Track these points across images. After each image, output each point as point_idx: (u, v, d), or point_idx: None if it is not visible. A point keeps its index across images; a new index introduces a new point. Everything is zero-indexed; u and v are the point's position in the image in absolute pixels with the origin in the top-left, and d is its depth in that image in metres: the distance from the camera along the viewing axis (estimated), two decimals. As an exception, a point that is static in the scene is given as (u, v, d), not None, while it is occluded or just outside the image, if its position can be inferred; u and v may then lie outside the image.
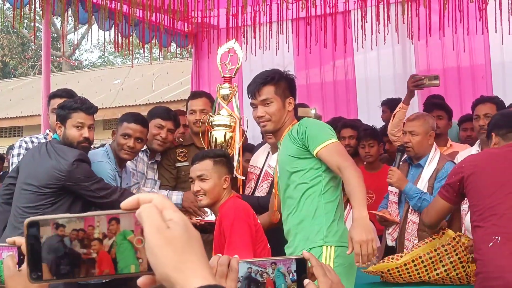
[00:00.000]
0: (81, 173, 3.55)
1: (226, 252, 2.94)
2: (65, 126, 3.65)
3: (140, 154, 4.16)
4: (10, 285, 1.30)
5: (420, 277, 3.36)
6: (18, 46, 26.86)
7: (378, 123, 5.76)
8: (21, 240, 1.32)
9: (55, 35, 22.24)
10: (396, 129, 4.66)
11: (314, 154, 3.00)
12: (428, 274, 3.35)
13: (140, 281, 0.87)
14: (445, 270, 3.32)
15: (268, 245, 3.26)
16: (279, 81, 3.16)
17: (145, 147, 4.18)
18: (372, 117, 6.52)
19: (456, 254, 3.32)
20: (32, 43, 26.40)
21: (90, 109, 3.70)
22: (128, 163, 4.08)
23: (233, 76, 4.02)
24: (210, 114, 4.03)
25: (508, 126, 3.24)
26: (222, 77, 4.00)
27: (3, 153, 9.04)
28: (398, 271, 3.36)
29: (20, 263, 1.32)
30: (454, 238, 3.35)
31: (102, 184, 3.64)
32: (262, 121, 3.16)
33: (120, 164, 3.94)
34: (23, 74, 25.50)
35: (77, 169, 3.53)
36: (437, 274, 3.35)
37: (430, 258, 3.34)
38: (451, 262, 3.31)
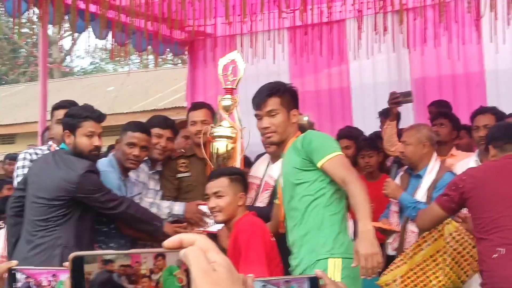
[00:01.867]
0: (91, 185, 3.57)
1: (241, 266, 2.97)
2: (75, 135, 3.65)
3: (141, 164, 4.18)
4: None
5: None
6: (9, 52, 26.76)
7: (373, 130, 5.79)
8: None
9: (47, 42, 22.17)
10: (389, 144, 4.77)
11: (319, 167, 3.04)
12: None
13: None
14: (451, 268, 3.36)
15: (281, 264, 3.29)
16: (284, 93, 3.22)
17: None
18: (367, 124, 6.54)
19: (455, 249, 3.35)
20: (23, 50, 26.37)
21: (100, 117, 3.72)
22: (130, 173, 4.11)
23: (234, 87, 4.05)
24: (212, 125, 4.06)
25: (505, 138, 3.29)
26: (224, 88, 4.04)
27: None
28: (403, 281, 3.40)
29: None
30: (453, 233, 3.40)
31: (111, 195, 3.66)
32: (267, 132, 3.20)
33: (125, 173, 3.96)
34: (14, 81, 25.41)
35: (87, 180, 3.55)
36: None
37: (434, 260, 3.39)
38: (448, 266, 3.36)
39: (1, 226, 6.13)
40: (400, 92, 4.93)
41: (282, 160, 3.31)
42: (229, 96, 4.03)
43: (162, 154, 4.22)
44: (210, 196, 3.42)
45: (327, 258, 2.98)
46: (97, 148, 3.70)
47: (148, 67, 13.68)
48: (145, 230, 3.87)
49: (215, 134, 3.98)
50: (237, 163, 3.95)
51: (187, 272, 0.88)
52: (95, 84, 18.06)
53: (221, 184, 3.38)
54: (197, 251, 0.87)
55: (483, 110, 4.55)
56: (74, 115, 3.70)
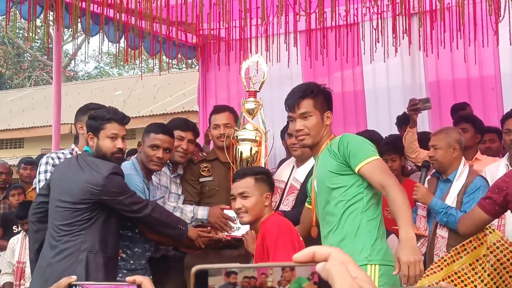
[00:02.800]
0: (116, 187, 3.53)
1: None
2: (98, 137, 3.62)
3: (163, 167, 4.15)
4: None
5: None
6: (13, 56, 26.79)
7: (387, 134, 5.75)
8: (141, 279, 1.39)
9: (51, 46, 22.21)
10: (409, 151, 4.78)
11: (356, 171, 2.98)
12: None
13: None
14: (492, 279, 3.31)
15: None
16: (317, 95, 3.15)
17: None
18: (381, 128, 6.50)
19: (498, 260, 3.30)
20: (28, 54, 26.39)
21: (123, 119, 3.69)
22: (152, 176, 4.08)
23: (258, 90, 4.03)
24: (236, 128, 4.04)
25: None
26: (247, 91, 4.02)
27: (13, 165, 9.00)
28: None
29: None
30: (496, 242, 3.33)
31: (135, 198, 3.62)
32: (301, 134, 3.14)
33: (148, 176, 3.93)
34: (18, 85, 25.42)
35: (112, 183, 3.51)
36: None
37: (473, 269, 3.33)
38: (489, 276, 3.30)
39: (16, 231, 6.12)
40: (419, 99, 4.94)
41: (315, 163, 3.25)
42: (252, 99, 4.00)
43: (184, 157, 4.19)
44: (236, 196, 3.36)
45: (365, 264, 2.92)
46: (121, 150, 3.66)
47: (160, 71, 13.66)
48: (170, 234, 3.83)
49: (239, 137, 3.95)
50: (262, 164, 3.92)
51: (318, 285, 0.83)
52: (102, 88, 18.06)
53: (246, 184, 3.33)
54: (340, 266, 0.81)
55: None
56: (97, 117, 3.66)
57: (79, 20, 6.08)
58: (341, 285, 0.79)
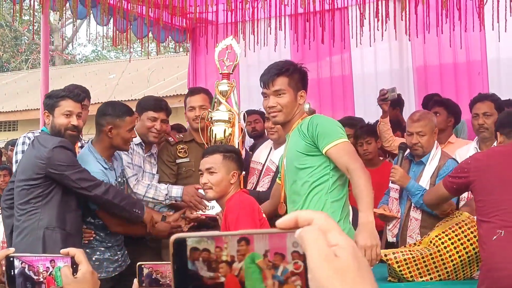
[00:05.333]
0: (61, 160, 3.48)
1: None
2: (53, 115, 3.60)
3: (135, 147, 4.16)
4: None
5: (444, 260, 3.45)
6: (11, 40, 26.76)
7: (375, 118, 5.79)
8: (74, 251, 1.47)
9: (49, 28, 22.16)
10: (384, 140, 4.92)
11: (323, 152, 3.02)
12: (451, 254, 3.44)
13: None
14: (464, 248, 3.41)
15: None
16: (293, 73, 3.18)
17: (139, 140, 4.19)
18: (368, 112, 6.55)
19: (472, 232, 3.40)
20: (25, 37, 26.34)
21: (78, 96, 3.65)
22: (124, 157, 4.07)
23: (231, 72, 4.03)
24: (209, 110, 4.05)
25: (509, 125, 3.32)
26: (220, 73, 4.01)
27: (2, 147, 9.04)
28: (415, 261, 3.43)
29: (73, 272, 1.46)
30: (465, 219, 3.46)
31: (85, 174, 3.56)
32: (273, 111, 3.19)
33: (109, 158, 3.88)
34: (16, 68, 25.41)
35: (57, 155, 3.47)
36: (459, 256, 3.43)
37: (447, 236, 3.44)
38: (466, 237, 3.42)
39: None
40: (387, 89, 5.01)
41: (286, 142, 3.28)
42: (226, 81, 4.00)
43: (157, 137, 4.22)
44: (203, 172, 3.37)
45: None
46: (75, 127, 3.62)
47: (151, 55, 13.65)
48: (124, 216, 3.79)
49: (213, 118, 3.97)
50: (236, 146, 3.93)
51: (271, 263, 0.75)
52: (97, 71, 18.06)
53: (214, 160, 3.34)
54: (315, 232, 0.72)
55: (482, 98, 4.56)
56: (52, 95, 3.65)
57: (68, 4, 6.10)
58: (312, 253, 0.71)
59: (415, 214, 4.03)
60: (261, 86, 3.24)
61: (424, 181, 4.04)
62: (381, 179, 4.29)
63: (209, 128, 3.98)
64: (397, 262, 3.41)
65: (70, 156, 3.55)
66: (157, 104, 4.26)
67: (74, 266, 1.46)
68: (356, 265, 0.71)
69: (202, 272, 0.76)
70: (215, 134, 3.94)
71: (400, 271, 3.44)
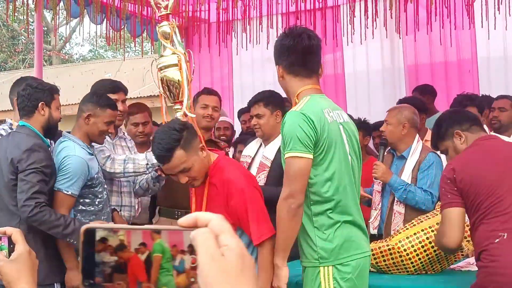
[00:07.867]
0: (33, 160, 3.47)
1: None
2: (50, 107, 3.67)
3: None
4: (3, 271, 1.38)
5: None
6: (8, 39, 26.76)
7: (366, 116, 5.84)
8: (11, 230, 1.42)
9: (45, 28, 22.18)
10: None
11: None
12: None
13: None
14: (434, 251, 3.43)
15: None
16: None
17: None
18: (360, 110, 6.60)
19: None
20: (22, 37, 26.36)
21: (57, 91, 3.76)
22: (95, 145, 3.92)
23: (169, 12, 3.62)
24: (154, 58, 3.72)
25: (467, 120, 3.20)
26: (159, 16, 3.63)
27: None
28: (391, 252, 3.46)
29: (10, 252, 1.42)
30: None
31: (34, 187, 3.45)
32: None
33: (90, 144, 3.81)
34: (13, 68, 25.40)
35: (30, 158, 3.47)
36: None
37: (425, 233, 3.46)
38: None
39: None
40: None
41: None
42: (166, 22, 3.58)
43: (121, 120, 4.32)
44: (177, 174, 3.21)
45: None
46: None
47: (147, 54, 13.66)
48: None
49: (160, 65, 3.54)
50: (185, 90, 3.50)
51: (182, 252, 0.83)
52: (93, 70, 18.08)
53: (180, 159, 3.14)
54: (206, 233, 0.80)
55: (502, 96, 5.18)
56: (51, 88, 3.75)
57: (60, 3, 6.13)
58: (201, 253, 0.79)
59: (399, 208, 4.09)
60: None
61: (406, 175, 4.12)
62: (367, 175, 4.32)
63: (163, 79, 3.54)
64: (373, 254, 3.44)
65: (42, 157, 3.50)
66: (113, 86, 4.20)
67: (11, 246, 1.42)
68: (240, 264, 0.79)
69: (106, 259, 0.82)
70: (167, 81, 3.50)
71: (377, 263, 3.50)
